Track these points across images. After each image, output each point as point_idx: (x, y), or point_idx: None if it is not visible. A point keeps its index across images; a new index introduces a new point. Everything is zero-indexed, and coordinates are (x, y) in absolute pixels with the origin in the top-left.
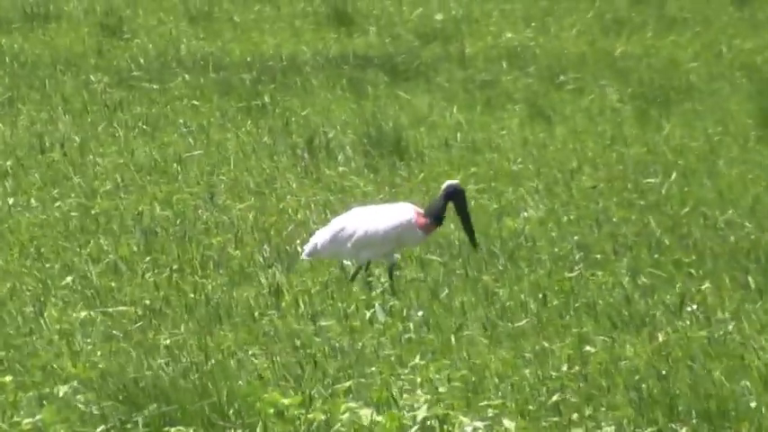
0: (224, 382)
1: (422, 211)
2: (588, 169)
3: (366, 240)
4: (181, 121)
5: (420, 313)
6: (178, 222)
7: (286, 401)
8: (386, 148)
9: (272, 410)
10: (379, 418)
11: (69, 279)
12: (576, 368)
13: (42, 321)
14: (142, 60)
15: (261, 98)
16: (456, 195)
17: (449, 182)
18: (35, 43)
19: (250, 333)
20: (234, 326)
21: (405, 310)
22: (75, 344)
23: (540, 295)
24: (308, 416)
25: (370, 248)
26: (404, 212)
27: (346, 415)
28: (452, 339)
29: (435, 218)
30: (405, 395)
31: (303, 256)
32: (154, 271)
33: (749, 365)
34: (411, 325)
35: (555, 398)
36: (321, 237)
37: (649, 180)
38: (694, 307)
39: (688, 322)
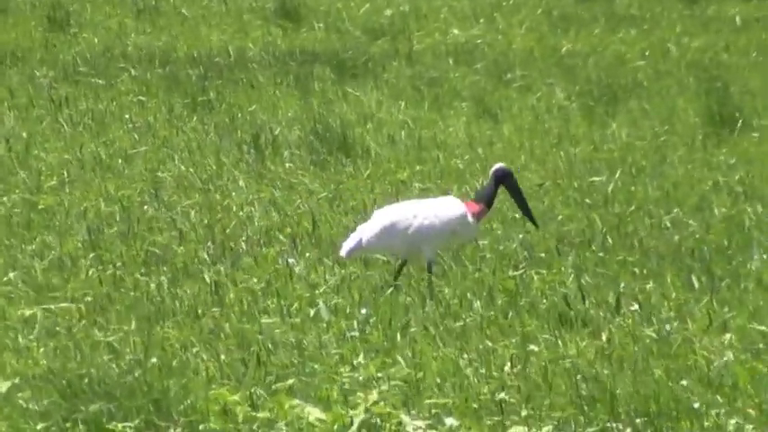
0: (167, 379)
1: (469, 200)
2: (535, 167)
3: (421, 235)
4: (127, 116)
5: (364, 311)
6: (123, 219)
7: (230, 399)
8: (332, 144)
9: (216, 408)
10: (323, 416)
11: (12, 275)
12: (519, 367)
13: None
14: (88, 55)
15: (207, 94)
16: (506, 178)
17: (497, 165)
18: None
19: (193, 330)
20: (177, 323)
21: (349, 309)
22: (17, 340)
23: (485, 294)
24: (252, 414)
25: (424, 243)
26: (456, 206)
27: (290, 413)
28: (397, 337)
29: (487, 202)
30: (348, 393)
31: (342, 254)
32: (98, 267)
33: (692, 365)
34: (355, 323)
35: (497, 397)
36: (366, 232)
37: (595, 179)
38: (638, 306)
39: (631, 321)
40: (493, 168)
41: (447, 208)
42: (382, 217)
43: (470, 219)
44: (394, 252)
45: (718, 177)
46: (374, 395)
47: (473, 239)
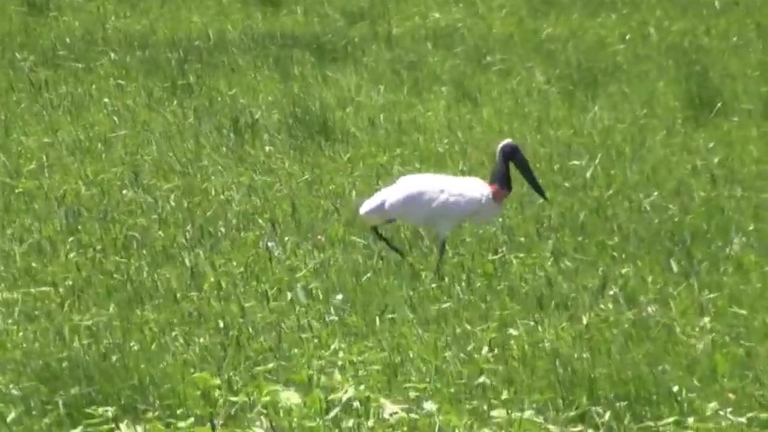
0: (146, 363)
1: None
2: None
3: (445, 210)
4: (106, 100)
5: (340, 296)
6: (102, 202)
7: (209, 383)
8: (312, 128)
9: (194, 392)
10: (301, 400)
11: None
12: (497, 351)
13: None
14: (68, 39)
15: (187, 78)
16: (513, 153)
17: (503, 142)
18: None
19: (173, 314)
20: (156, 307)
21: (327, 292)
22: None
23: (464, 278)
24: (231, 397)
25: (446, 219)
26: (482, 187)
27: (268, 397)
28: (376, 321)
29: (503, 183)
30: (326, 377)
31: (361, 211)
32: (77, 251)
33: (671, 349)
34: (332, 307)
35: (477, 381)
36: (391, 196)
37: (575, 162)
38: (617, 290)
39: (611, 305)
40: (500, 145)
41: (473, 188)
42: (410, 184)
43: (493, 201)
44: (412, 221)
45: (698, 161)
46: (353, 379)
47: (493, 221)
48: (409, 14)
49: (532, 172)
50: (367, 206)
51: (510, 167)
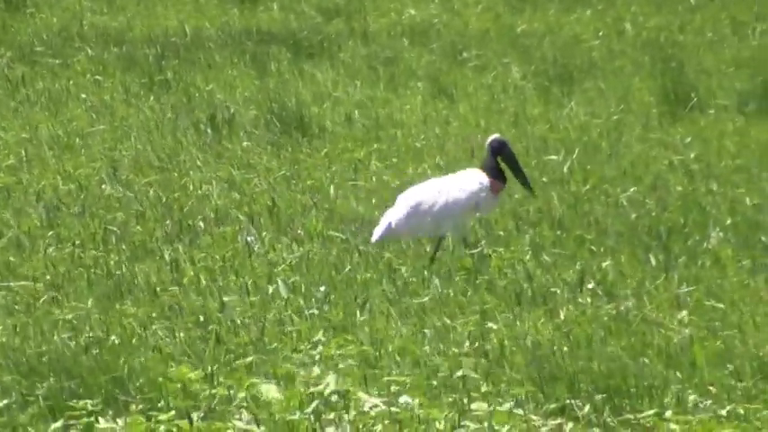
0: (126, 356)
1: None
2: None
3: (447, 211)
4: (84, 96)
5: (322, 288)
6: (81, 197)
7: (189, 376)
8: (289, 124)
9: (175, 385)
10: (281, 394)
11: None
12: (477, 344)
13: None
14: (45, 36)
15: (164, 74)
16: (501, 148)
17: (492, 137)
18: None
19: (152, 308)
20: (136, 301)
21: (307, 287)
22: None
23: (443, 272)
24: (211, 391)
25: (452, 219)
26: (477, 177)
27: (248, 390)
28: (357, 315)
29: (496, 176)
30: (306, 371)
31: (374, 240)
32: (56, 246)
33: (650, 342)
34: (312, 301)
35: (456, 374)
36: (394, 216)
37: (551, 157)
38: (595, 284)
39: (589, 299)
40: (488, 140)
41: (470, 180)
42: (407, 199)
43: (491, 190)
44: (424, 232)
45: (674, 156)
46: (333, 373)
47: (491, 212)
48: (385, 10)
49: (521, 167)
50: (377, 234)
51: (499, 162)
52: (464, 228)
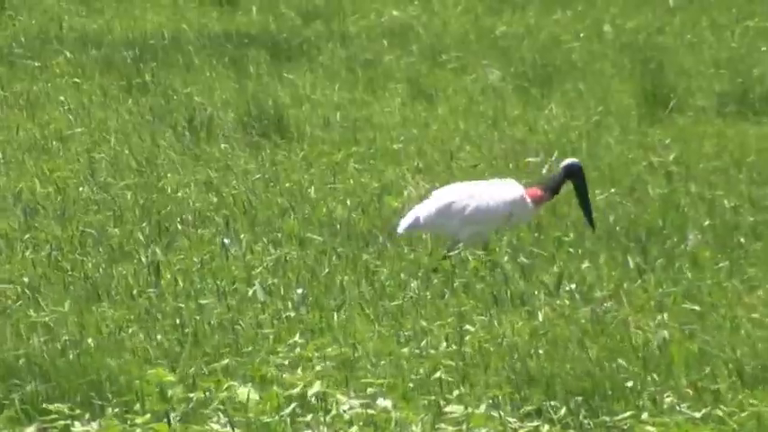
0: (103, 359)
1: (534, 185)
2: (470, 148)
3: (478, 216)
4: (62, 98)
5: (300, 291)
6: (58, 200)
7: (166, 379)
8: (268, 126)
9: (152, 388)
10: (258, 397)
11: None
12: (454, 347)
13: None
14: (23, 38)
15: (142, 76)
16: (575, 174)
17: (569, 160)
18: None
19: (129, 311)
20: (113, 304)
21: (284, 289)
22: None
23: (420, 274)
24: (188, 394)
25: (480, 224)
26: (514, 189)
27: (225, 393)
28: (334, 318)
29: (551, 192)
30: (283, 373)
31: (400, 231)
32: (33, 248)
33: (627, 345)
34: (289, 304)
35: (433, 376)
36: (424, 210)
37: (530, 159)
38: (573, 286)
39: (567, 301)
40: (564, 163)
41: (505, 191)
42: (441, 196)
43: (529, 202)
44: (450, 231)
45: (653, 158)
46: (310, 375)
47: (528, 222)
48: (365, 12)
49: (588, 198)
50: (404, 225)
51: (562, 183)
52: (482, 237)
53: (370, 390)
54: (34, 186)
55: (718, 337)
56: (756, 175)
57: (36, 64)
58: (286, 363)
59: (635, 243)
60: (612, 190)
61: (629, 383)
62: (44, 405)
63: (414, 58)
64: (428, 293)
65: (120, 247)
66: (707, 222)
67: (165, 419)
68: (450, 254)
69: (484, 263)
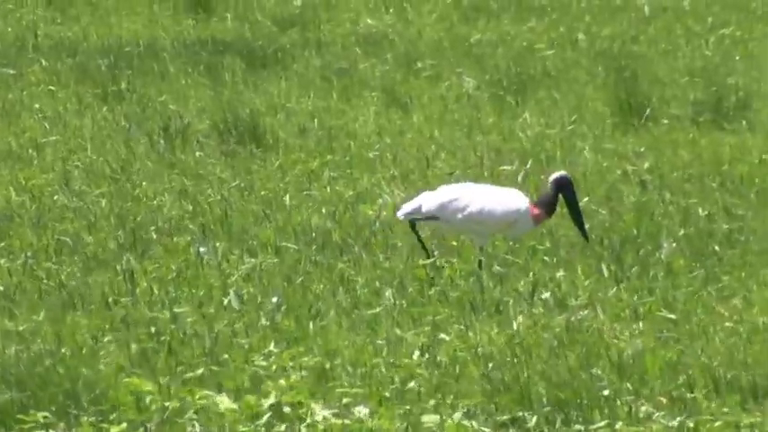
0: (78, 368)
1: (533, 201)
2: (445, 156)
3: (478, 218)
4: (37, 106)
5: (275, 299)
6: (33, 208)
7: (141, 388)
8: (243, 134)
9: (127, 397)
10: (234, 406)
11: None
12: (428, 356)
13: None
14: None
15: (118, 84)
16: (564, 186)
17: (557, 173)
18: None
19: (104, 319)
20: (88, 312)
21: (260, 297)
22: None
23: (396, 282)
24: (163, 403)
25: (478, 226)
26: (520, 200)
27: (201, 402)
28: (310, 326)
29: (547, 210)
30: (259, 382)
31: (400, 215)
32: (8, 257)
33: (602, 353)
34: (264, 312)
35: (408, 385)
36: (428, 200)
37: (505, 167)
38: (548, 294)
39: (542, 309)
40: (553, 177)
41: (513, 199)
42: (447, 190)
43: (531, 217)
44: (447, 226)
45: (628, 166)
46: (285, 384)
47: (522, 236)
48: (340, 21)
49: (579, 210)
50: (406, 209)
51: (556, 199)
52: (481, 239)
53: (345, 399)
54: (9, 195)
55: (694, 345)
56: (730, 183)
57: (11, 72)
58: (261, 372)
59: (610, 251)
60: (587, 198)
61: (605, 392)
62: (19, 414)
63: (388, 66)
64: (403, 302)
65: (96, 255)
66: (681, 231)
67: (141, 428)
68: (426, 262)
69: (458, 271)
